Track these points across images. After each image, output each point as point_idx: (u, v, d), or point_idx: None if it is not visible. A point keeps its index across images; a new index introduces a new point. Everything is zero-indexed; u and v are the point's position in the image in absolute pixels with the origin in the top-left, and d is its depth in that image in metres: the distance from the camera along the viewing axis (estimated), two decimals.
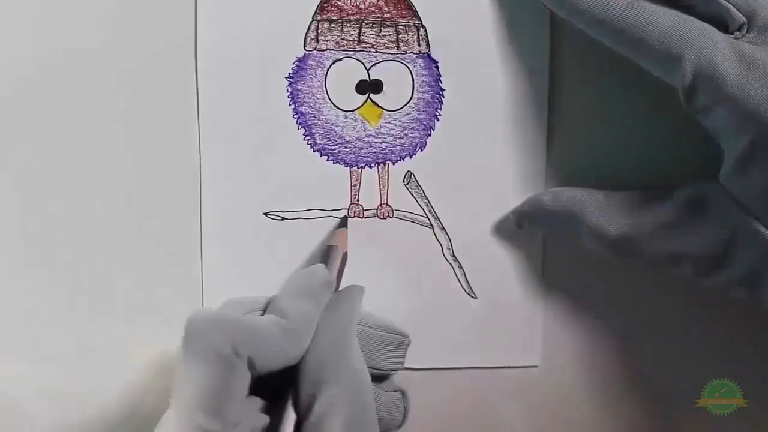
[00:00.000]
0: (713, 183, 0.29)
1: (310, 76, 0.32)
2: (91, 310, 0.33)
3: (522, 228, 0.32)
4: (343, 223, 0.33)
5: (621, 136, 0.33)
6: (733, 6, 0.27)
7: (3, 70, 0.32)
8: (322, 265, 0.29)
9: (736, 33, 0.27)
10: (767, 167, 0.26)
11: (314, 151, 0.33)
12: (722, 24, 0.27)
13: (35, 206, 0.33)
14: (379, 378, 0.29)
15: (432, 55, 0.32)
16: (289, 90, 0.32)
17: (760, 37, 0.27)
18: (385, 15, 0.32)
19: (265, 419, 0.26)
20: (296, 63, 0.32)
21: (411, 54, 0.32)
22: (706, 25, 0.27)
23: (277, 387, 0.26)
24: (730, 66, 0.26)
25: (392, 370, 0.29)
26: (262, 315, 0.27)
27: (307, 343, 0.26)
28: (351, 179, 0.33)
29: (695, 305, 0.34)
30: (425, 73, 0.32)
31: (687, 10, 0.28)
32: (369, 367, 0.27)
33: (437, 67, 0.32)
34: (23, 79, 0.32)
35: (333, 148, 0.33)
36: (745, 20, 0.27)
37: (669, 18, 0.27)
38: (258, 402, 0.26)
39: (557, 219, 0.31)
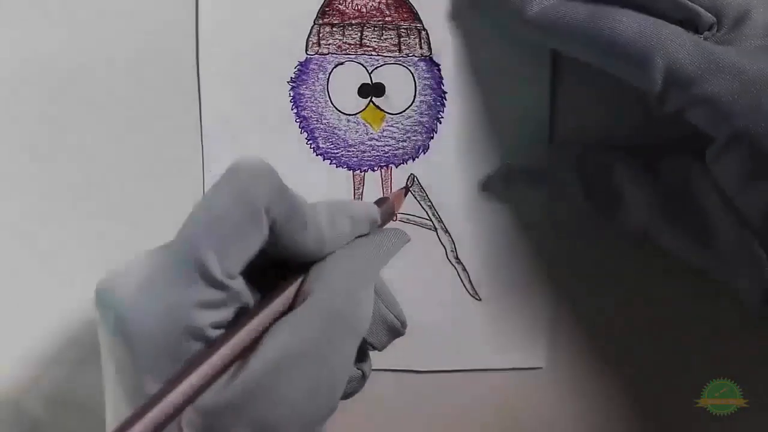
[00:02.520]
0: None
1: (312, 80, 0.32)
2: (91, 312, 0.33)
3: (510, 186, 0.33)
4: (405, 191, 0.32)
5: (621, 137, 0.33)
6: (700, 6, 0.27)
7: (2, 70, 0.32)
8: (374, 205, 0.28)
9: (706, 33, 0.27)
10: (739, 159, 0.26)
11: (317, 155, 0.33)
12: (692, 24, 0.27)
13: (33, 207, 0.33)
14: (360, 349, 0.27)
15: (434, 58, 0.32)
16: (292, 94, 0.32)
17: (730, 33, 0.27)
18: (387, 18, 0.32)
19: (255, 297, 0.24)
20: (298, 67, 0.32)
21: (413, 57, 0.32)
22: (673, 27, 0.26)
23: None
24: (698, 68, 0.26)
25: (371, 347, 0.27)
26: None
27: (325, 249, 0.25)
28: (354, 183, 0.33)
29: (696, 305, 0.34)
30: (427, 76, 0.32)
31: (654, 12, 0.27)
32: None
33: (439, 70, 0.32)
34: (23, 79, 0.32)
35: (336, 151, 0.33)
36: (714, 19, 0.27)
37: (634, 24, 0.26)
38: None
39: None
